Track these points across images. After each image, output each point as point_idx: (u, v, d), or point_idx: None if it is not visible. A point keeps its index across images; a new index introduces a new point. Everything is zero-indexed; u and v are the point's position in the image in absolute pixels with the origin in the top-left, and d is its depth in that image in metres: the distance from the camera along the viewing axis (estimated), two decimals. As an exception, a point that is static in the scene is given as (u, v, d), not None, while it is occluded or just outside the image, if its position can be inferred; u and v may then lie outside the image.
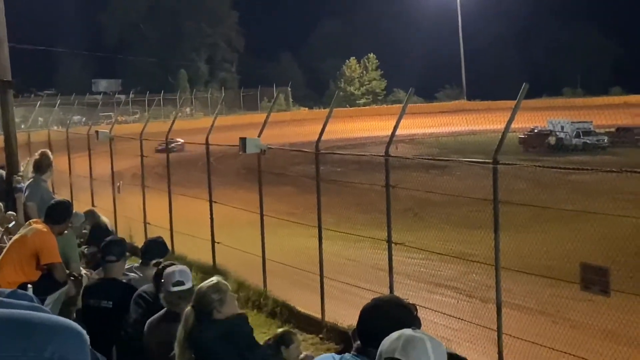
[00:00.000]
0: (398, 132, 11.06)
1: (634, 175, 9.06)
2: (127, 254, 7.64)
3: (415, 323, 3.07)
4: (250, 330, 5.43)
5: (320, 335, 11.62)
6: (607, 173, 10.80)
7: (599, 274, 7.87)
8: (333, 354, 3.17)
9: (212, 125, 15.92)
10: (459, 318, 10.57)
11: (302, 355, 6.86)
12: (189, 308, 5.26)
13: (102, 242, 7.52)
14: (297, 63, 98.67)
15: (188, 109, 74.21)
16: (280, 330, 7.61)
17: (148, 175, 18.81)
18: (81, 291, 7.45)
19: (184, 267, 6.14)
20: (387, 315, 3.09)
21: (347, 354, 3.08)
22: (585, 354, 8.68)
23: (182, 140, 24.01)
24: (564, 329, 11.02)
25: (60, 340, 1.89)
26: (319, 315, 12.01)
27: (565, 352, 8.87)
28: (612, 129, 45.57)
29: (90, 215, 10.12)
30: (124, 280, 7.25)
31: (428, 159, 20.46)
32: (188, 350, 5.12)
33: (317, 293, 12.16)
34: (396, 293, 10.09)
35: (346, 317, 10.99)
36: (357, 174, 19.23)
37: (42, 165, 11.19)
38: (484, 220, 9.61)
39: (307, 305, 12.51)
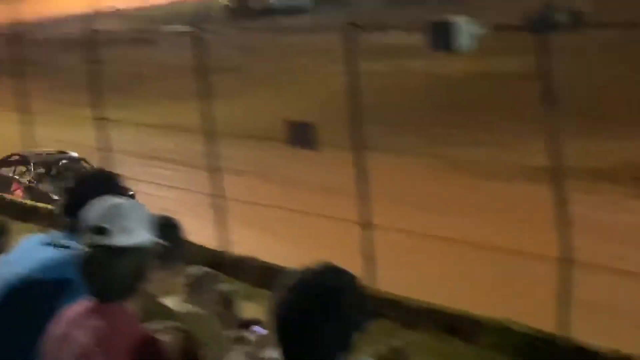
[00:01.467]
0: (101, 6, 10.74)
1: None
2: None
3: (122, 192, 3.10)
4: None
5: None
6: (310, 34, 11.23)
7: (304, 130, 8.26)
8: (39, 234, 3.11)
9: None
10: (175, 187, 10.74)
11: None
12: None
13: None
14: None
15: None
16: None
17: None
18: None
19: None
20: (92, 188, 3.09)
21: (54, 232, 3.04)
22: (297, 206, 9.23)
23: None
24: (276, 186, 11.60)
25: None
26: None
27: (279, 207, 9.38)
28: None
29: None
30: None
31: (135, 33, 20.06)
32: None
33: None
34: (116, 170, 10.04)
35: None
36: (63, 55, 18.44)
37: None
38: (196, 90, 9.70)
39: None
